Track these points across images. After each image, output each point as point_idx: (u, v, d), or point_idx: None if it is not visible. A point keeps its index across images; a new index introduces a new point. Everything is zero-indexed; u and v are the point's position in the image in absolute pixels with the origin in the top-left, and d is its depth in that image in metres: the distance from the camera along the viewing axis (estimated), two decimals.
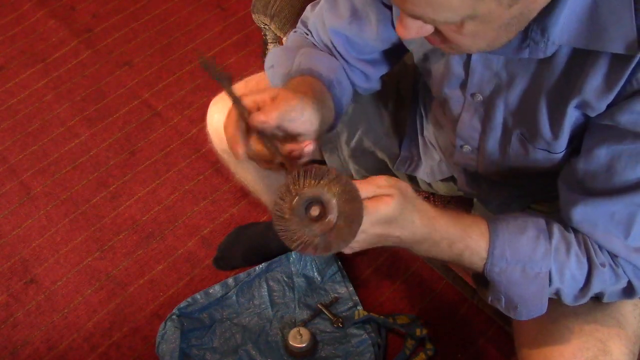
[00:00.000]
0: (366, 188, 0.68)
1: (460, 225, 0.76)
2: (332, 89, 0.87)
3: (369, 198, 0.67)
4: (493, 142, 0.87)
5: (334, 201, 0.64)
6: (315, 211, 0.65)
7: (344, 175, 0.65)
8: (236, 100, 0.70)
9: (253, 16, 1.33)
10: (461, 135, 0.91)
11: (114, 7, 2.14)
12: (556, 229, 0.78)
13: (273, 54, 0.96)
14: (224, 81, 0.68)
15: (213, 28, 2.06)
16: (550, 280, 0.77)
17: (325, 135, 1.10)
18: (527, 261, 0.76)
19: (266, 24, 1.31)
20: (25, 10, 2.14)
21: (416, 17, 0.64)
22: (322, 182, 0.65)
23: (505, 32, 0.66)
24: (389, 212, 0.68)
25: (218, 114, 1.05)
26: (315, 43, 0.96)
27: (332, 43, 0.93)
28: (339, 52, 0.93)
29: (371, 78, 0.97)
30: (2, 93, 1.92)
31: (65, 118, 1.86)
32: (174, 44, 2.03)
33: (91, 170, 1.74)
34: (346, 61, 0.94)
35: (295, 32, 1.00)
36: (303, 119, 0.74)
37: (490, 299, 0.81)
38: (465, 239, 0.76)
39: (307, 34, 0.97)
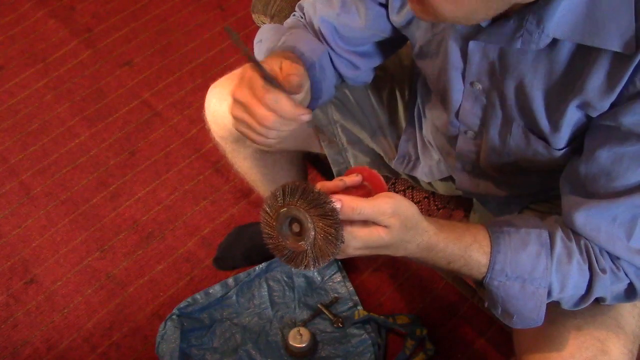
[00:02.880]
0: (368, 212, 0.67)
1: (462, 244, 0.76)
2: (312, 70, 0.87)
3: (365, 223, 0.67)
4: (494, 129, 0.86)
5: (312, 233, 0.66)
6: (296, 228, 0.67)
7: (335, 211, 0.65)
8: (260, 67, 0.72)
9: (253, 16, 1.33)
10: (464, 121, 0.91)
11: (114, 7, 2.14)
12: (558, 238, 0.77)
13: (263, 29, 0.97)
14: (246, 49, 0.70)
15: (213, 28, 2.06)
16: (550, 292, 0.77)
17: (323, 125, 1.11)
18: (527, 278, 0.76)
19: (266, 24, 1.31)
20: (25, 10, 2.14)
21: None
22: (312, 209, 0.66)
23: (485, 5, 0.65)
24: (380, 243, 0.68)
25: (216, 99, 1.05)
26: (307, 26, 0.97)
27: (320, 30, 0.94)
28: (326, 40, 0.94)
29: (360, 68, 0.97)
30: (2, 93, 1.92)
31: (65, 118, 1.86)
32: (174, 44, 2.03)
33: (91, 170, 1.74)
34: (333, 50, 0.94)
35: (293, 15, 1.01)
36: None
37: (487, 304, 0.81)
38: (465, 258, 0.76)
39: (302, 18, 0.98)
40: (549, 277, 0.76)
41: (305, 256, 0.67)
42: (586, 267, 0.76)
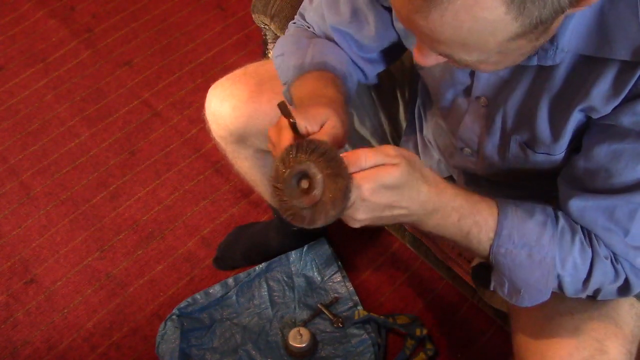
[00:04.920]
0: (374, 157, 0.67)
1: (470, 200, 0.76)
2: (346, 82, 0.88)
3: (374, 166, 0.67)
4: (492, 146, 0.87)
5: (319, 176, 0.66)
6: (305, 184, 0.67)
7: (334, 150, 0.66)
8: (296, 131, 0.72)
9: (253, 16, 1.33)
10: (462, 138, 0.91)
11: (114, 7, 2.14)
12: (562, 215, 0.78)
13: (283, 41, 0.96)
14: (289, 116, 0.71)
15: (213, 28, 2.06)
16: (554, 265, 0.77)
17: None
18: (534, 245, 0.76)
19: (266, 24, 1.31)
20: (25, 10, 2.14)
21: (444, 55, 0.64)
22: (311, 156, 0.66)
23: (524, 56, 0.67)
24: (392, 180, 0.67)
25: (216, 99, 1.05)
26: (318, 36, 0.96)
27: (334, 40, 0.93)
28: (341, 49, 0.94)
29: (369, 75, 0.97)
30: (2, 93, 1.92)
31: (65, 118, 1.86)
32: (174, 44, 2.03)
33: (91, 170, 1.74)
34: (349, 57, 0.94)
35: (294, 23, 1.00)
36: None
37: (493, 284, 0.81)
38: (475, 215, 0.76)
39: (309, 27, 0.97)
40: (555, 246, 0.76)
41: (319, 205, 0.66)
42: (589, 248, 0.76)
